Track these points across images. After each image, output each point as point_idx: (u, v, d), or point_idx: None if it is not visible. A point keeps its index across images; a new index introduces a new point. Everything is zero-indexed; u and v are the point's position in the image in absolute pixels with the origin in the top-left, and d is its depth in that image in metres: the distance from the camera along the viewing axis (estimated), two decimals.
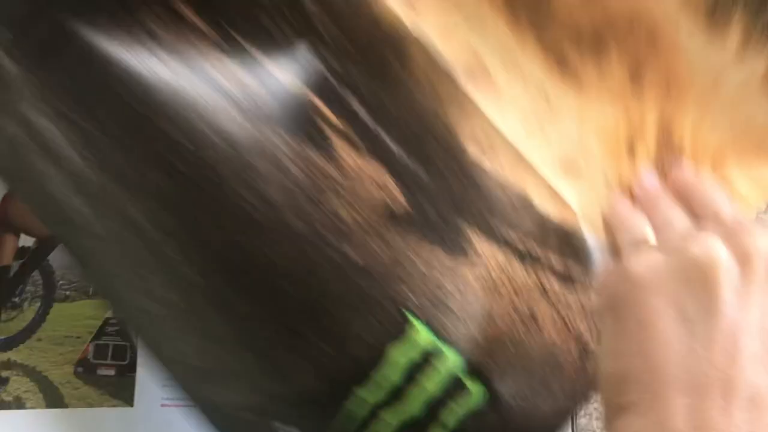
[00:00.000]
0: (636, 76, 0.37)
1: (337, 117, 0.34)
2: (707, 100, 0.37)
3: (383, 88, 0.35)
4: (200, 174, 0.32)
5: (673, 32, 0.36)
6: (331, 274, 0.34)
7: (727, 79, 0.36)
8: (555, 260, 0.37)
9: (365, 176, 0.35)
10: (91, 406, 0.48)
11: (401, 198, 0.35)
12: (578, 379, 0.38)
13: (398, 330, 0.35)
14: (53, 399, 0.49)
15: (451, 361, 0.35)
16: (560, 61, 0.36)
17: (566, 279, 0.37)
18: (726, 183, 0.38)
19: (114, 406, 0.49)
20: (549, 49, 0.36)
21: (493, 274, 0.37)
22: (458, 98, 0.36)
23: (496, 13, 0.36)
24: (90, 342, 0.50)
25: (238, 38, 0.32)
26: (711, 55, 0.36)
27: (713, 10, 0.36)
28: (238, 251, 0.33)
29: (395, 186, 0.35)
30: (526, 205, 0.37)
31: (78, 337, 0.50)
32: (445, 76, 0.35)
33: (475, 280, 0.37)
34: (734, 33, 0.36)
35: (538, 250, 0.37)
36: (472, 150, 0.36)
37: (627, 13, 0.36)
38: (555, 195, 0.37)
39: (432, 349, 0.35)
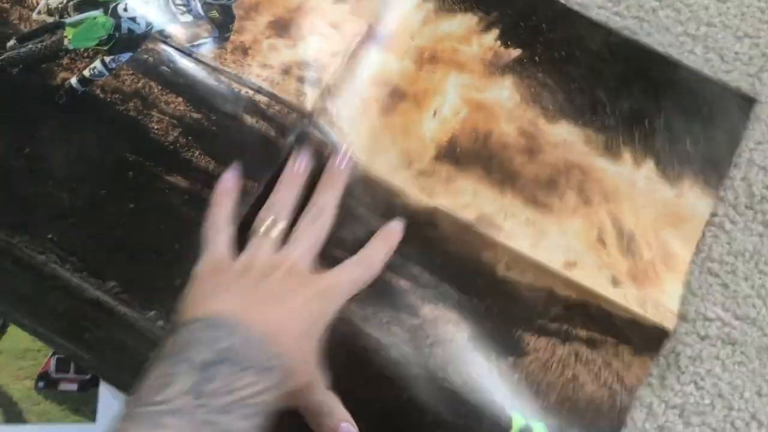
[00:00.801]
0: (583, 194, 0.57)
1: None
2: (631, 194, 0.57)
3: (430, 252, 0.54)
4: None
5: (593, 164, 0.57)
6: None
7: (636, 179, 0.57)
8: (580, 331, 0.54)
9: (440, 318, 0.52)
10: (51, 422, 0.47)
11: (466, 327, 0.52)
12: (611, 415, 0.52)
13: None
14: (12, 414, 0.47)
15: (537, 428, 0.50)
16: (533, 200, 0.56)
17: (590, 342, 0.53)
18: (664, 246, 0.56)
19: (76, 422, 0.47)
20: (523, 194, 0.56)
21: (543, 355, 0.53)
22: (482, 240, 0.54)
23: (486, 183, 0.56)
24: (51, 356, 0.49)
25: None
26: (620, 169, 0.57)
27: (608, 147, 0.58)
28: None
29: (459, 318, 0.52)
30: (551, 295, 0.54)
31: (39, 350, 0.49)
32: (467, 229, 0.54)
33: (532, 364, 0.52)
34: (626, 153, 0.58)
35: (568, 327, 0.54)
36: (500, 270, 0.54)
37: (562, 162, 0.57)
38: (569, 281, 0.54)
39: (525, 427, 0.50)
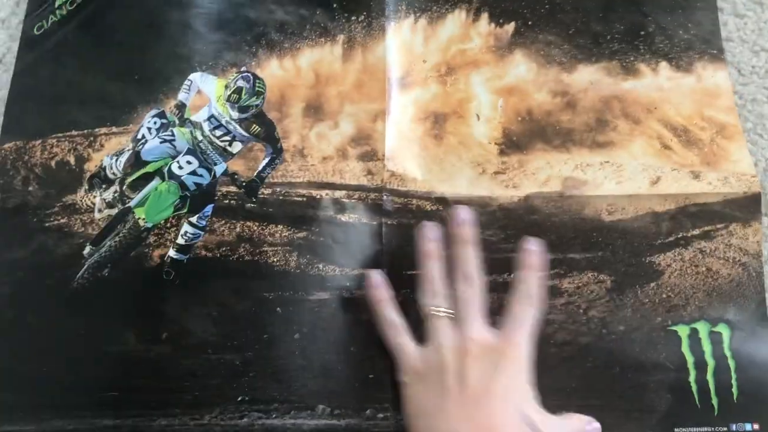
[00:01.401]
0: (630, 117, 0.62)
1: None
2: (664, 97, 0.63)
3: (542, 234, 0.58)
4: None
5: (622, 88, 0.63)
6: None
7: (660, 82, 0.63)
8: (693, 231, 0.60)
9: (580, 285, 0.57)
10: None
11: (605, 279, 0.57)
12: (752, 282, 0.59)
13: None
14: None
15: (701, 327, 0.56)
16: (596, 144, 0.61)
17: (705, 236, 0.59)
18: (713, 122, 0.63)
19: None
20: (585, 144, 0.61)
21: (676, 266, 0.59)
22: (577, 201, 0.59)
23: (552, 152, 0.60)
24: None
25: None
26: (644, 81, 0.63)
27: (625, 68, 0.63)
28: None
29: (594, 275, 0.57)
30: (655, 215, 0.59)
31: None
32: (560, 198, 0.59)
33: (672, 277, 0.58)
34: (641, 66, 0.63)
35: (682, 234, 0.59)
36: (605, 217, 0.59)
37: (599, 101, 0.62)
38: (661, 196, 0.59)
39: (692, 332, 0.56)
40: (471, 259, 0.53)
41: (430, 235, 0.54)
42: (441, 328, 0.50)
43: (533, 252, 0.53)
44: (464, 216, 0.53)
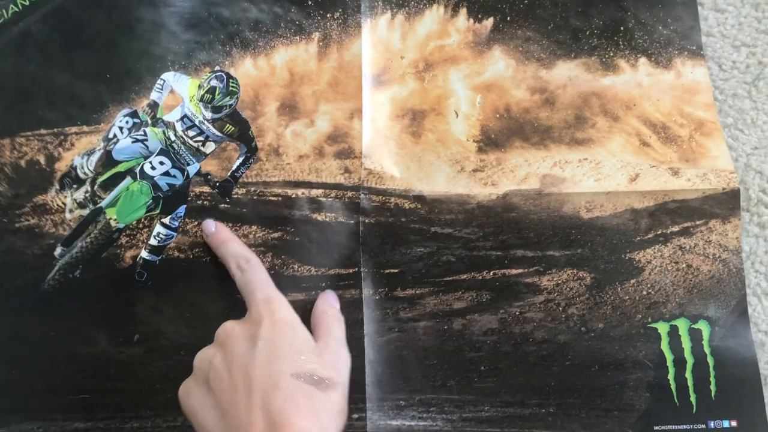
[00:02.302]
0: (609, 114, 0.62)
1: None
2: (644, 94, 0.62)
3: (520, 232, 0.58)
4: None
5: (601, 84, 0.62)
6: None
7: (640, 79, 0.62)
8: (672, 228, 0.59)
9: (559, 282, 0.56)
10: None
11: (584, 276, 0.57)
12: (732, 278, 0.59)
13: None
14: None
15: (681, 324, 0.56)
16: (574, 141, 0.61)
17: (685, 233, 0.59)
18: (692, 119, 0.62)
19: None
20: (564, 141, 0.61)
21: (655, 263, 0.58)
22: (555, 199, 0.58)
23: (530, 149, 0.60)
24: None
25: None
26: (624, 77, 0.62)
27: (605, 64, 0.63)
28: None
29: (573, 273, 0.57)
30: (634, 212, 0.59)
31: None
32: (539, 196, 0.58)
33: (651, 274, 0.58)
34: (620, 62, 0.63)
35: (661, 230, 0.59)
36: (584, 214, 0.58)
37: (577, 97, 0.62)
38: (640, 193, 0.59)
39: (671, 329, 0.56)
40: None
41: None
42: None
43: (216, 232, 0.54)
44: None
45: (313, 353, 0.47)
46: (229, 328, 0.47)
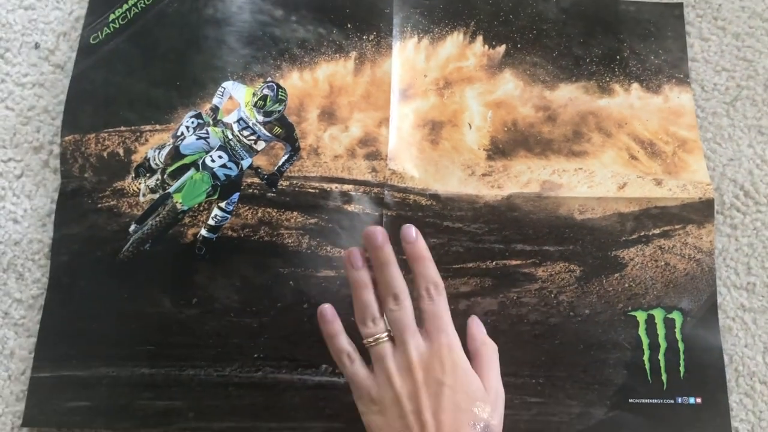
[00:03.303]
0: (603, 131, 0.71)
1: None
2: (634, 114, 0.72)
3: (521, 228, 0.67)
4: None
5: (598, 105, 0.72)
6: None
7: (632, 101, 0.72)
8: (654, 230, 0.69)
9: (553, 272, 0.66)
10: None
11: (575, 268, 0.66)
12: (705, 276, 0.67)
13: None
14: None
15: (657, 313, 0.65)
16: (572, 153, 0.70)
17: (665, 235, 0.68)
18: (676, 137, 0.72)
19: None
20: (562, 152, 0.70)
21: (638, 260, 0.67)
22: (553, 201, 0.68)
23: (533, 158, 0.69)
24: None
25: None
26: (618, 100, 0.72)
27: (601, 87, 0.72)
28: None
29: (566, 265, 0.66)
30: (621, 215, 0.68)
31: None
32: (538, 199, 0.68)
33: (634, 269, 0.67)
34: (615, 86, 0.72)
35: (644, 232, 0.68)
36: (577, 215, 0.68)
37: (576, 115, 0.71)
38: (627, 199, 0.68)
39: (648, 317, 0.65)
40: (396, 278, 0.53)
41: (356, 263, 0.54)
42: (386, 354, 0.52)
43: (415, 242, 0.55)
44: (380, 239, 0.54)
45: (484, 402, 0.51)
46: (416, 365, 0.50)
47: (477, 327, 0.57)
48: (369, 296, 0.53)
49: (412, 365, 0.51)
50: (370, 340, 0.53)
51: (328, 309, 0.55)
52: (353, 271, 0.54)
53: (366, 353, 0.53)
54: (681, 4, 0.76)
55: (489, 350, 0.55)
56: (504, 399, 0.53)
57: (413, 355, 0.51)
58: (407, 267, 0.55)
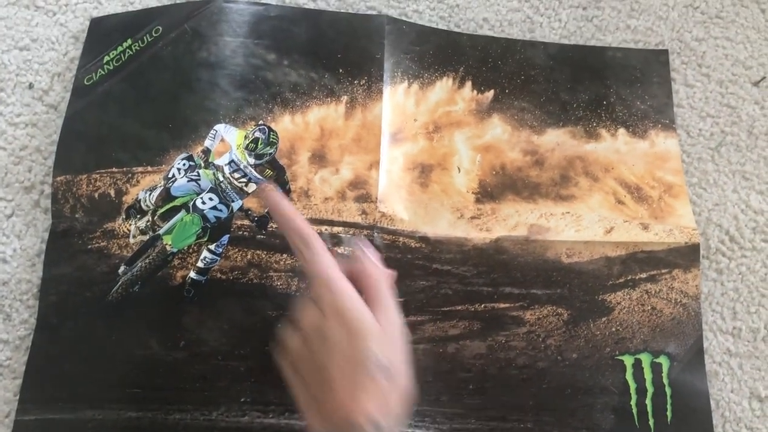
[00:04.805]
0: (590, 175, 0.72)
1: None
2: (621, 159, 0.73)
3: (509, 272, 0.68)
4: None
5: (585, 150, 0.73)
6: None
7: (618, 146, 0.73)
8: (640, 275, 0.69)
9: (541, 316, 0.66)
10: None
11: (562, 312, 0.67)
12: (691, 321, 0.68)
13: None
14: None
15: (644, 358, 0.65)
16: (559, 197, 0.71)
17: (651, 279, 0.69)
18: (662, 182, 0.73)
19: None
20: (550, 196, 0.71)
21: (624, 304, 0.68)
22: (540, 245, 0.69)
23: (520, 202, 0.70)
24: None
25: None
26: (604, 144, 0.73)
27: (588, 132, 0.74)
28: None
29: (553, 309, 0.67)
30: (608, 260, 0.69)
31: None
32: (526, 242, 0.69)
33: (621, 314, 0.67)
34: (602, 131, 0.74)
35: (631, 276, 0.69)
36: (564, 259, 0.69)
37: (563, 160, 0.72)
38: (614, 243, 0.69)
39: (636, 362, 0.65)
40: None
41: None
42: None
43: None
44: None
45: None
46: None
47: (363, 255, 0.54)
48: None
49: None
50: None
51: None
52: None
53: None
54: (666, 51, 0.78)
55: (377, 282, 0.53)
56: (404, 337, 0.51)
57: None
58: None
